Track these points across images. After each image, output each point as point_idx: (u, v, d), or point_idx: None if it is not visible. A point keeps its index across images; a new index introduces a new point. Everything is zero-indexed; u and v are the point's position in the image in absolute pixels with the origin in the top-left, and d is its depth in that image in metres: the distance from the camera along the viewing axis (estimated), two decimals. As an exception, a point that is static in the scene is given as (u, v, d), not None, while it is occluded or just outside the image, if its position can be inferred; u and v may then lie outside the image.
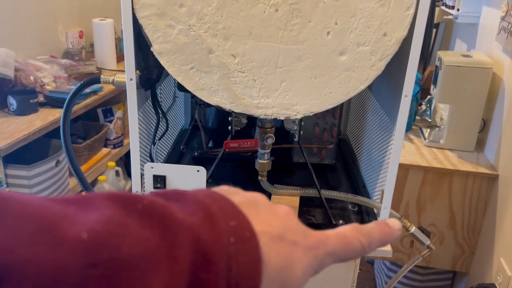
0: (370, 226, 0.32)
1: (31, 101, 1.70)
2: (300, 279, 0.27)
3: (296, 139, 0.90)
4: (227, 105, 0.75)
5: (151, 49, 0.71)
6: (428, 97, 1.74)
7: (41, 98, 1.77)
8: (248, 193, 0.30)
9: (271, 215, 0.28)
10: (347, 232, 0.30)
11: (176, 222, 0.23)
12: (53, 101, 1.79)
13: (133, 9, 0.69)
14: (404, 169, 1.48)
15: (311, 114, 0.76)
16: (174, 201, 0.25)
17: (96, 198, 0.23)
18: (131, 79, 0.74)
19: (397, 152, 0.78)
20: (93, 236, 0.20)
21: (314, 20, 0.69)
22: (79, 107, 1.84)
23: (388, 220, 0.33)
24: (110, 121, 2.19)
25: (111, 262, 0.20)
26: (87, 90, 1.90)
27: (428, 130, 1.70)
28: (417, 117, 1.78)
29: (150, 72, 0.78)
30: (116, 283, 0.20)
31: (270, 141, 0.84)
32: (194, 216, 0.24)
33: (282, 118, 0.76)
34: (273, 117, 0.76)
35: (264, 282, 0.24)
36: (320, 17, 0.69)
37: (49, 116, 1.70)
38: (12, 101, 1.68)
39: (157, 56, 0.72)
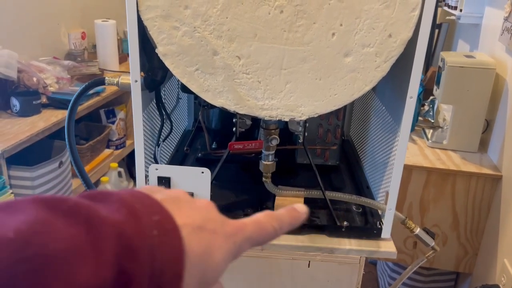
0: (281, 211, 0.36)
1: (34, 102, 1.70)
2: (220, 264, 0.30)
3: (300, 140, 0.90)
4: (231, 107, 0.75)
5: (156, 51, 0.71)
6: (431, 97, 1.74)
7: (44, 99, 1.77)
8: (170, 190, 0.32)
9: (191, 209, 0.30)
10: (261, 218, 0.34)
11: (100, 219, 0.24)
12: (56, 102, 1.79)
13: (138, 11, 0.69)
14: (407, 170, 1.48)
15: (315, 116, 0.76)
16: (99, 201, 0.26)
17: (22, 202, 0.24)
18: (136, 81, 0.74)
19: (402, 153, 0.78)
20: (19, 235, 0.22)
21: (319, 22, 0.69)
22: (81, 108, 1.84)
23: (295, 205, 0.37)
24: (113, 122, 2.19)
25: (38, 257, 0.21)
26: (90, 91, 1.90)
27: (431, 130, 1.70)
28: (420, 118, 1.77)
29: (155, 74, 0.78)
30: (43, 276, 0.21)
31: (274, 142, 0.84)
32: (118, 213, 0.25)
33: (286, 119, 0.76)
34: (277, 119, 0.76)
35: (187, 268, 0.27)
36: (325, 19, 0.69)
37: (52, 117, 1.70)
38: (15, 102, 1.68)
39: (162, 58, 0.72)
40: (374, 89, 1.06)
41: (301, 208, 0.37)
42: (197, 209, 0.31)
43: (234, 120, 0.87)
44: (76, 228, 0.23)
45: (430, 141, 1.61)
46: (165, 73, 0.79)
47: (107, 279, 0.23)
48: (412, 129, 1.72)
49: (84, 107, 1.86)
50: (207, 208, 0.32)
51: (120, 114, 2.22)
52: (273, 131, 0.84)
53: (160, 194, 0.30)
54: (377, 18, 0.69)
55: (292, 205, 0.37)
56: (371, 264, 2.18)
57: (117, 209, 0.26)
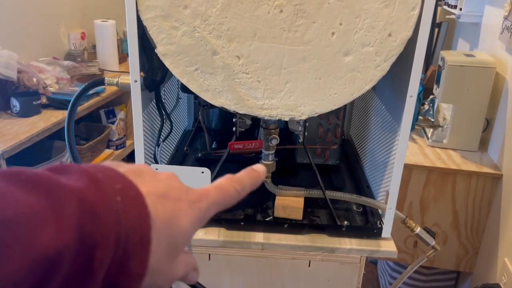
0: (241, 173, 0.37)
1: (34, 103, 1.70)
2: (187, 229, 0.31)
3: (300, 140, 0.90)
4: (231, 107, 0.75)
5: (156, 50, 0.71)
6: (431, 97, 1.74)
7: (44, 100, 1.77)
8: (132, 164, 0.33)
9: (154, 180, 0.31)
10: (223, 183, 0.35)
11: (60, 186, 0.24)
12: (56, 103, 1.79)
13: (137, 10, 0.69)
14: (408, 169, 1.48)
15: (315, 115, 0.76)
16: (60, 172, 0.27)
17: None
18: (136, 81, 0.74)
19: (402, 153, 0.78)
20: None
21: (319, 21, 0.69)
22: (81, 109, 1.84)
23: (254, 166, 0.39)
24: (113, 122, 2.19)
25: None
26: (90, 91, 1.90)
27: (431, 130, 1.70)
28: (420, 117, 1.77)
29: (155, 74, 0.78)
30: (2, 240, 0.21)
31: (274, 142, 0.84)
32: (79, 181, 0.26)
33: (286, 119, 0.76)
34: (277, 118, 0.76)
35: (153, 234, 0.27)
36: (325, 18, 0.69)
37: (52, 118, 1.70)
38: (15, 103, 1.68)
39: (161, 57, 0.72)
40: (374, 88, 1.06)
41: (259, 168, 0.39)
42: (160, 179, 0.32)
43: (234, 120, 0.87)
44: (36, 195, 0.23)
45: (430, 140, 1.61)
46: (165, 73, 0.79)
47: (70, 242, 0.23)
48: (412, 128, 1.72)
49: (84, 107, 1.86)
50: (170, 178, 0.33)
51: (120, 114, 2.22)
52: (273, 130, 0.84)
53: (122, 167, 0.31)
54: (377, 17, 0.69)
55: (250, 166, 0.38)
56: (371, 263, 2.18)
57: (79, 178, 0.26)
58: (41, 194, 0.24)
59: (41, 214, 0.23)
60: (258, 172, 0.38)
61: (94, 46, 2.36)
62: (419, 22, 0.69)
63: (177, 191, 0.31)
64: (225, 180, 0.36)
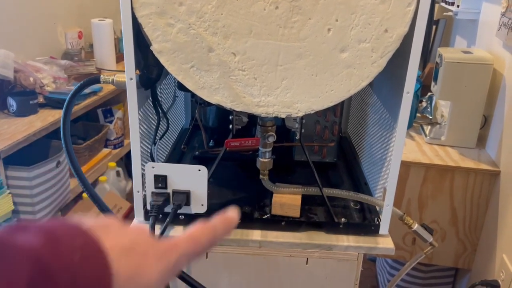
0: (214, 221, 0.37)
1: (30, 102, 1.70)
2: (154, 283, 0.30)
3: (297, 137, 0.90)
4: (228, 104, 0.74)
5: (151, 48, 0.71)
6: (429, 94, 1.74)
7: (41, 99, 1.77)
8: (101, 218, 0.32)
9: (121, 233, 0.31)
10: (194, 233, 0.35)
11: (14, 247, 0.24)
12: (53, 102, 1.79)
13: (132, 8, 0.69)
14: (406, 166, 1.48)
15: (312, 112, 0.75)
16: (18, 231, 0.26)
17: None
18: (131, 79, 0.74)
19: (399, 150, 0.78)
20: None
21: (315, 17, 0.69)
22: (79, 108, 1.84)
23: (228, 212, 0.38)
24: (110, 122, 2.18)
25: None
26: (87, 90, 1.90)
27: (429, 127, 1.70)
28: (418, 114, 1.77)
29: (150, 71, 0.78)
30: None
31: (271, 139, 0.84)
32: (36, 240, 0.25)
33: (283, 116, 0.75)
34: (274, 115, 0.75)
35: None
36: (321, 14, 0.69)
37: (49, 117, 1.70)
38: (12, 102, 1.67)
39: (157, 55, 0.71)
40: (371, 85, 1.06)
41: (232, 214, 0.38)
42: (127, 233, 0.31)
43: (230, 117, 0.86)
44: None
45: (428, 137, 1.61)
46: (161, 71, 0.79)
47: None
48: (410, 126, 1.72)
49: (81, 106, 1.85)
50: (138, 231, 0.32)
51: (118, 113, 2.22)
52: (269, 128, 0.83)
53: (89, 222, 0.30)
54: (373, 13, 0.69)
55: (223, 213, 0.38)
56: (370, 261, 2.18)
57: (35, 236, 0.25)
58: None
59: None
60: (230, 219, 0.38)
61: (91, 45, 2.35)
62: (415, 18, 0.69)
63: (144, 244, 0.31)
64: (197, 229, 0.35)
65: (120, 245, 0.29)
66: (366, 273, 2.12)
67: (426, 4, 0.68)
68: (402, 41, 0.70)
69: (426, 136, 1.62)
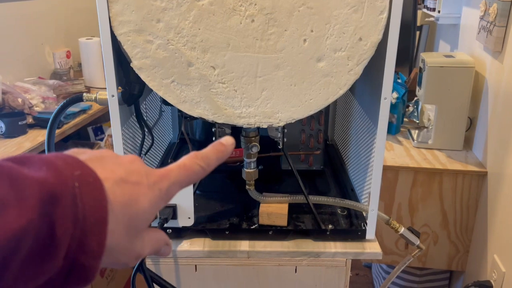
0: (207, 149, 0.37)
1: (19, 123, 1.70)
2: (147, 210, 0.32)
3: (280, 146, 0.91)
4: (209, 116, 0.75)
5: (131, 65, 0.72)
6: (415, 98, 1.76)
7: (30, 120, 1.77)
8: (95, 150, 0.34)
9: (115, 165, 0.32)
10: (186, 161, 0.36)
11: (22, 174, 0.27)
12: (42, 122, 1.79)
13: (111, 26, 0.70)
14: (394, 171, 1.49)
15: (293, 121, 0.77)
16: (22, 163, 0.28)
17: None
18: (113, 96, 0.75)
19: (381, 154, 0.79)
20: None
21: (290, 29, 0.71)
22: (69, 127, 1.84)
23: (222, 139, 0.39)
24: (101, 139, 2.19)
25: None
26: (76, 109, 1.90)
27: (416, 131, 1.72)
28: (405, 119, 1.79)
29: (132, 88, 0.79)
30: None
31: (255, 149, 0.85)
32: (40, 170, 0.27)
33: (265, 126, 0.77)
34: (256, 126, 0.77)
35: (110, 216, 0.29)
36: (296, 26, 0.70)
37: (39, 137, 1.70)
38: (0, 124, 1.68)
39: (137, 71, 0.72)
40: (353, 92, 1.07)
41: (228, 140, 0.39)
42: (121, 164, 0.33)
43: (213, 129, 0.87)
44: None
45: (415, 141, 1.63)
46: (143, 87, 0.80)
47: (32, 221, 0.25)
48: (398, 131, 1.74)
49: (71, 125, 1.86)
50: (131, 162, 0.34)
51: (109, 131, 2.22)
52: (253, 138, 0.84)
53: (84, 155, 0.32)
54: (347, 23, 0.70)
55: (218, 140, 0.39)
56: (366, 267, 2.18)
57: (39, 167, 0.28)
58: (3, 181, 0.26)
59: (5, 198, 0.25)
60: (225, 145, 0.38)
61: (79, 64, 2.36)
62: (388, 25, 0.71)
63: (136, 174, 0.33)
64: (189, 157, 0.36)
65: (114, 176, 0.31)
66: (363, 279, 2.12)
67: (398, 12, 0.70)
68: (377, 48, 0.72)
69: (413, 140, 1.64)
